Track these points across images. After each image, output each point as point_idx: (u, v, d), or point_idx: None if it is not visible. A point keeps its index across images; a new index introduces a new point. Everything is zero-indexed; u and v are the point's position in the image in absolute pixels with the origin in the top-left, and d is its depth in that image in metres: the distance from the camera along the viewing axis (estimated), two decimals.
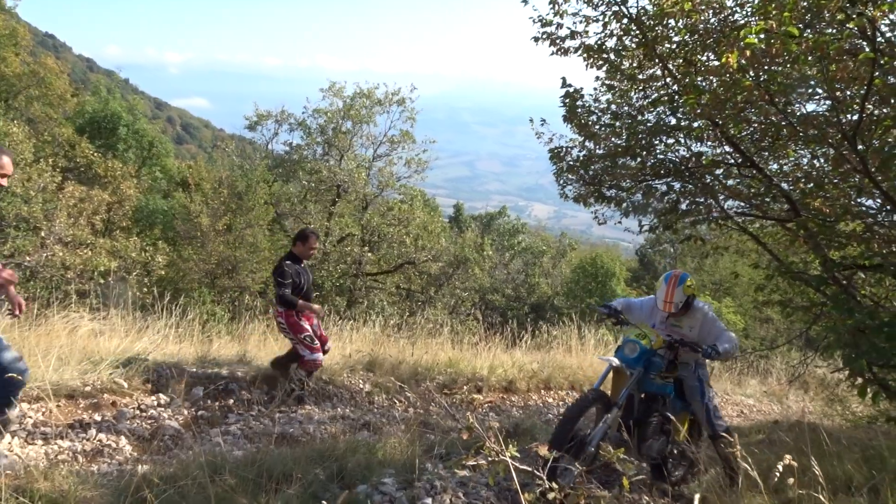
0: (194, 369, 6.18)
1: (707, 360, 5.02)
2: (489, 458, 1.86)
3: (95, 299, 7.33)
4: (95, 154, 21.11)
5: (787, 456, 2.57)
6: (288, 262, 6.23)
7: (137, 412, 5.30)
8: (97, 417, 5.02)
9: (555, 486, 1.93)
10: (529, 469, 1.91)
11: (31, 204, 11.19)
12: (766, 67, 4.32)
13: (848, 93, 4.69)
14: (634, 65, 6.41)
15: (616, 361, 4.55)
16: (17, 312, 3.76)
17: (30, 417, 4.71)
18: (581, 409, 4.30)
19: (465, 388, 7.50)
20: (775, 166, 6.35)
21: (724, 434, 4.50)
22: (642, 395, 4.65)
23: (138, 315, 7.46)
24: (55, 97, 25.61)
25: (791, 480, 2.49)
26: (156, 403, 5.51)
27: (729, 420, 6.82)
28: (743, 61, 3.92)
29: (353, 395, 6.84)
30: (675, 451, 4.86)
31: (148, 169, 28.84)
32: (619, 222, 6.94)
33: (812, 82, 4.48)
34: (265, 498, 3.38)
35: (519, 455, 1.93)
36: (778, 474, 2.53)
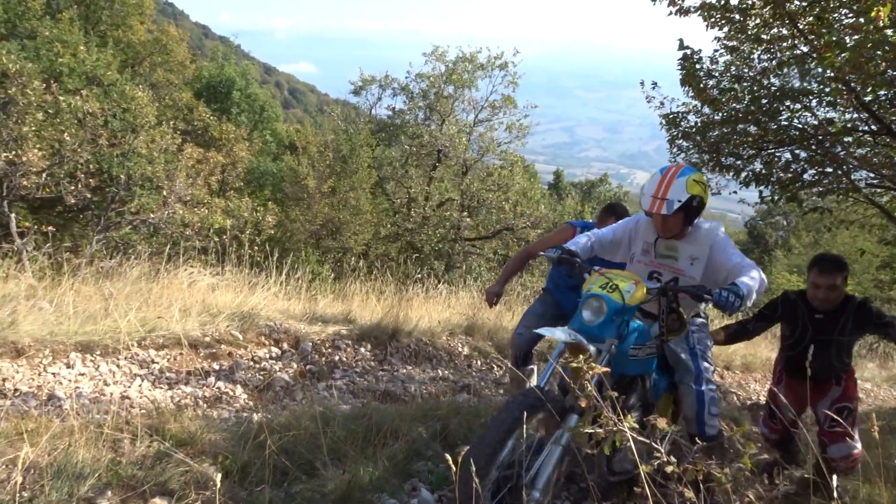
0: (303, 325, 6.44)
1: (709, 314, 3.61)
2: (606, 428, 1.83)
3: (213, 256, 7.74)
4: (211, 117, 22.19)
5: None
6: None
7: (251, 363, 5.59)
8: (216, 366, 5.34)
9: (673, 459, 1.88)
10: (648, 441, 1.87)
11: (155, 164, 11.88)
12: None
13: None
14: (759, 23, 6.01)
15: (567, 337, 2.79)
16: None
17: (156, 363, 5.07)
18: (507, 431, 2.57)
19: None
20: None
21: (709, 442, 3.06)
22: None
23: (250, 272, 7.83)
24: (176, 63, 27.02)
25: None
26: (268, 356, 5.79)
27: None
28: (895, 14, 3.57)
29: (452, 358, 6.93)
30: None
31: (259, 132, 30.06)
32: (735, 192, 6.59)
33: None
34: (372, 451, 3.50)
35: (636, 426, 1.89)
36: None
